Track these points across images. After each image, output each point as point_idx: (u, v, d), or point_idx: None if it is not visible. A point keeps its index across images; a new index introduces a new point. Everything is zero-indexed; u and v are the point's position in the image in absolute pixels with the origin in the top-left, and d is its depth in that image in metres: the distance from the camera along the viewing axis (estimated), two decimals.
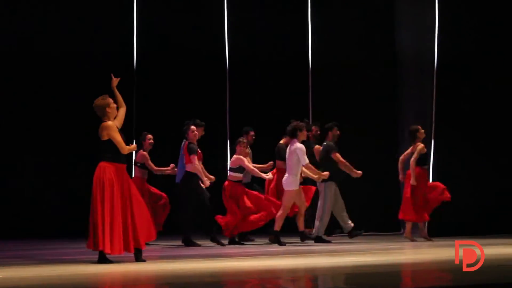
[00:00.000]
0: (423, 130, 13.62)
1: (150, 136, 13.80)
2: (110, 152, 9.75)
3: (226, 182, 13.07)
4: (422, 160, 13.51)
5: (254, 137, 13.85)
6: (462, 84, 14.92)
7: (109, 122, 9.81)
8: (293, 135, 12.71)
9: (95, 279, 8.34)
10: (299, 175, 12.66)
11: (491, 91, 15.01)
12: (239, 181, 13.10)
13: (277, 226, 12.72)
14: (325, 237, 13.33)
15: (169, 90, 16.17)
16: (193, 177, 12.79)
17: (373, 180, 14.93)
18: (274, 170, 13.49)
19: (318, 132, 13.74)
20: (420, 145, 13.48)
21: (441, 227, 14.16)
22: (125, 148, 9.77)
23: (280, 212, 12.69)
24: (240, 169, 13.05)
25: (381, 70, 16.21)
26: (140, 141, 13.81)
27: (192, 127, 12.93)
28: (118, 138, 9.75)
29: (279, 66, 16.45)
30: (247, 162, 13.04)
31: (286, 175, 12.73)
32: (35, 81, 15.81)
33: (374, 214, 15.31)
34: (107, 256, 9.65)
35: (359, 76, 15.96)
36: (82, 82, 15.53)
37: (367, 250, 11.74)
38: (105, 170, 9.69)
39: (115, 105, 9.88)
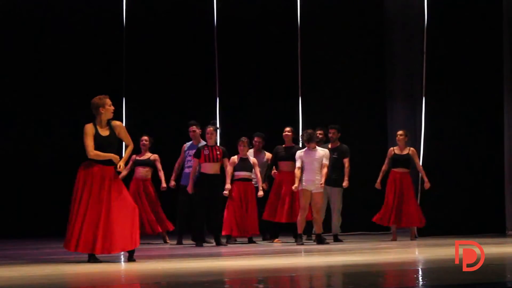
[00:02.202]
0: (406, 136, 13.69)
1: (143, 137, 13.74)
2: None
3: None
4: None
5: (259, 143, 13.78)
6: (452, 40, 14.81)
7: (87, 125, 9.59)
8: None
9: (84, 279, 8.27)
10: (304, 175, 12.63)
11: (482, 48, 14.90)
12: (245, 179, 13.16)
13: (299, 229, 12.76)
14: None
15: (158, 55, 16.24)
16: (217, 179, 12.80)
17: (363, 179, 14.87)
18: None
19: (321, 136, 13.65)
20: (413, 149, 13.61)
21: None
22: (90, 153, 9.49)
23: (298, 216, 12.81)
24: (244, 167, 13.10)
25: (369, 29, 16.14)
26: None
27: (208, 129, 12.83)
28: (87, 141, 9.49)
29: (267, 27, 16.49)
30: (229, 166, 12.97)
31: None
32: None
33: (363, 213, 15.24)
34: (97, 256, 9.61)
35: (347, 37, 15.90)
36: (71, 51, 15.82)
37: (357, 250, 11.78)
38: (81, 170, 9.56)
39: (111, 108, 9.61)
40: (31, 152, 15.75)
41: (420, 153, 14.45)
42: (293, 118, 15.59)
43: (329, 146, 13.51)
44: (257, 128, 14.40)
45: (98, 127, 9.60)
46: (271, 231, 13.70)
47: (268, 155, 13.74)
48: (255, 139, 13.79)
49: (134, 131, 10.09)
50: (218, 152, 12.70)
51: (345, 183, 13.35)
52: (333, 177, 13.24)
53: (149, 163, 13.61)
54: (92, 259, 9.57)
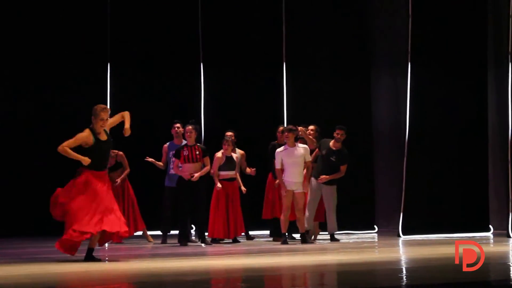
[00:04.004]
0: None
1: None
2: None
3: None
4: None
5: (233, 138, 13.67)
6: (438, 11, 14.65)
7: (84, 131, 9.88)
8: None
9: (67, 279, 8.26)
10: (286, 176, 12.62)
11: (468, 20, 14.75)
12: (231, 179, 13.12)
13: (283, 228, 12.72)
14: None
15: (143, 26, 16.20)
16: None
17: (347, 177, 14.87)
18: None
19: (312, 132, 13.60)
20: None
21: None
22: (60, 146, 9.78)
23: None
24: (230, 166, 13.08)
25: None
26: None
27: (188, 127, 12.81)
28: (69, 140, 9.81)
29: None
30: (215, 165, 13.02)
31: None
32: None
33: (348, 212, 15.25)
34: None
35: (331, 8, 15.95)
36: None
37: (341, 248, 11.78)
38: (80, 175, 9.88)
39: (101, 122, 9.84)
40: (13, 150, 15.62)
41: (406, 129, 14.37)
42: (277, 92, 15.81)
43: (332, 146, 13.29)
44: (242, 103, 14.81)
45: (96, 133, 9.91)
46: (271, 229, 13.76)
47: (239, 152, 13.64)
48: (228, 134, 13.67)
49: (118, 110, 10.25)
50: (197, 152, 12.70)
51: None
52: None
53: (119, 165, 13.47)
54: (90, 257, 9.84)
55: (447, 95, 14.56)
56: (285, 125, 14.47)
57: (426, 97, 14.52)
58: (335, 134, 13.21)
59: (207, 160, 12.75)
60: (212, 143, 14.38)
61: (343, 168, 13.23)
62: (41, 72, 15.62)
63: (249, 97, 15.94)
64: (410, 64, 14.43)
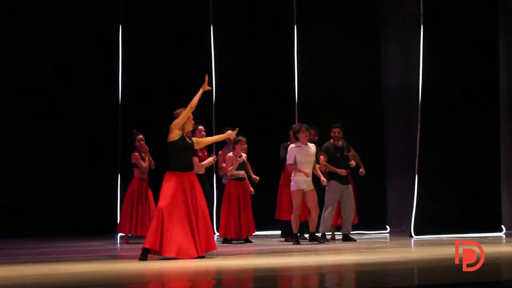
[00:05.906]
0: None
1: (141, 136, 13.53)
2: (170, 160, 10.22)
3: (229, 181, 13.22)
4: None
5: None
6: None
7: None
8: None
9: (79, 278, 8.26)
10: (296, 175, 12.60)
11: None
12: (242, 179, 13.15)
13: (294, 228, 12.69)
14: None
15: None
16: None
17: (359, 177, 14.85)
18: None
19: (316, 137, 13.58)
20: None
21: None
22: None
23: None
24: (240, 166, 13.08)
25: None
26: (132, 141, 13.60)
27: (200, 127, 12.83)
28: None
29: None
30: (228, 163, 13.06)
31: None
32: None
33: (360, 212, 15.24)
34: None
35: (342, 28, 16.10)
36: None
37: (353, 249, 11.76)
38: (167, 178, 10.08)
39: (192, 121, 10.33)
40: (26, 150, 15.66)
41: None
42: (288, 57, 15.91)
43: (337, 144, 13.31)
44: (253, 76, 15.45)
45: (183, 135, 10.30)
46: (282, 230, 13.77)
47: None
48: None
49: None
50: (206, 153, 12.83)
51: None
52: (346, 175, 13.24)
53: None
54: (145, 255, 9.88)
55: (458, 60, 14.40)
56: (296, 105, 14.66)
57: (438, 63, 14.35)
58: (332, 134, 13.33)
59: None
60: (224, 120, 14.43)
61: (353, 151, 13.57)
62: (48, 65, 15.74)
63: (260, 65, 15.97)
64: (423, 27, 14.27)
